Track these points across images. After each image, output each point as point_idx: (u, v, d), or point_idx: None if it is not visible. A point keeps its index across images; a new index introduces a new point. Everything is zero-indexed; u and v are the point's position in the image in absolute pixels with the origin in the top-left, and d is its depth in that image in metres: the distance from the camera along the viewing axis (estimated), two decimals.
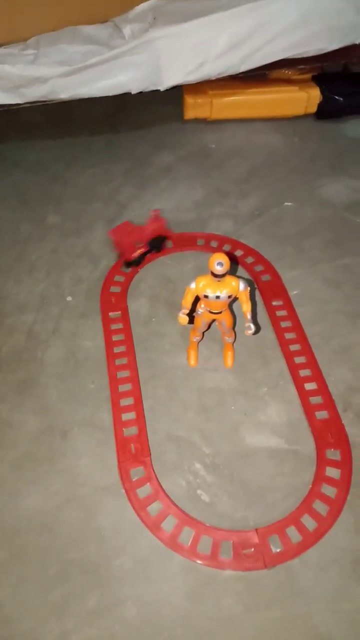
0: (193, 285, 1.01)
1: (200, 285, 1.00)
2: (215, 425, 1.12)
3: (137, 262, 1.39)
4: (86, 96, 1.51)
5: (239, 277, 1.01)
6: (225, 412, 1.14)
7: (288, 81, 1.93)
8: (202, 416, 1.14)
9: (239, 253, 1.45)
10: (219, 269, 0.94)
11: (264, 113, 1.93)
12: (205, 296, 1.01)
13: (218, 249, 1.46)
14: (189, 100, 1.86)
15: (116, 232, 1.37)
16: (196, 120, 1.96)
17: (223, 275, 0.96)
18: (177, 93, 1.92)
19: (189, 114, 1.91)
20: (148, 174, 1.77)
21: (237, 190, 1.69)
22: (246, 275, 1.40)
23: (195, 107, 1.88)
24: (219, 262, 0.93)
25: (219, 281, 0.98)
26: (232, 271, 0.97)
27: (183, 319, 1.03)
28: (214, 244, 1.48)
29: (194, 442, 1.10)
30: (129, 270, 1.39)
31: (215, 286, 0.99)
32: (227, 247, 1.47)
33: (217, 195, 1.68)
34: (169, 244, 1.48)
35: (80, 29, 1.56)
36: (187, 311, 1.03)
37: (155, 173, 1.77)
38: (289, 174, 1.77)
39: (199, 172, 1.76)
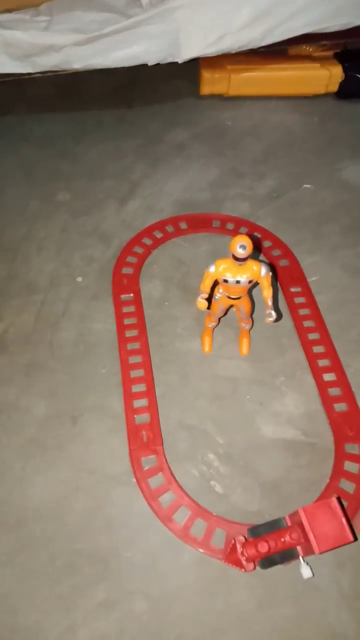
0: (212, 269, 0.96)
1: (220, 269, 0.95)
2: (229, 415, 1.08)
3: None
4: (100, 67, 1.44)
5: (260, 261, 0.96)
6: (239, 401, 1.11)
7: (309, 58, 1.85)
8: (215, 405, 1.10)
9: (255, 236, 1.40)
10: (241, 252, 0.89)
11: (282, 90, 1.85)
12: (225, 280, 0.96)
13: (234, 232, 1.41)
14: (206, 75, 1.79)
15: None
16: (212, 97, 1.88)
17: (245, 259, 0.91)
18: (192, 67, 1.85)
19: (206, 89, 1.83)
20: (161, 151, 1.70)
21: (254, 171, 1.63)
22: (263, 259, 1.35)
23: (212, 83, 1.80)
24: (241, 245, 0.88)
25: (240, 265, 0.93)
26: (254, 256, 0.92)
27: (202, 304, 0.98)
28: (230, 226, 1.43)
29: (208, 431, 1.06)
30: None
31: (236, 270, 0.94)
32: (243, 230, 1.42)
33: (232, 175, 1.62)
34: (184, 225, 1.43)
35: None
36: (207, 296, 0.98)
37: (168, 150, 1.71)
38: (307, 155, 1.70)
39: (213, 151, 1.70)
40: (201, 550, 0.91)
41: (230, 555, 0.89)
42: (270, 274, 0.96)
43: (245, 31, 1.47)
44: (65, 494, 0.98)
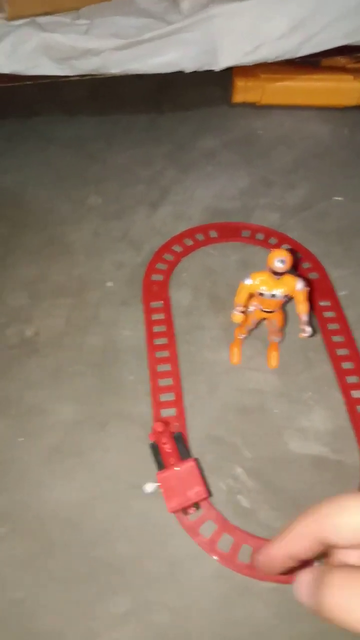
0: (248, 282, 0.95)
1: (256, 282, 0.95)
2: (256, 428, 1.08)
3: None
4: (138, 72, 1.44)
5: (297, 275, 0.96)
6: (267, 414, 1.10)
7: (342, 69, 1.84)
8: (243, 417, 1.09)
9: (285, 247, 1.39)
10: (279, 267, 0.88)
11: (314, 101, 1.85)
12: (260, 294, 0.96)
13: (264, 242, 1.40)
14: (239, 83, 1.78)
15: None
16: (243, 105, 1.88)
17: (282, 274, 0.91)
18: (224, 74, 1.82)
19: (238, 97, 1.83)
20: (191, 157, 1.70)
21: (284, 181, 1.62)
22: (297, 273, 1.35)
23: (245, 91, 1.80)
24: (280, 260, 0.88)
25: (277, 279, 0.92)
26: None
27: (238, 317, 0.97)
28: (259, 236, 1.42)
29: (235, 444, 1.05)
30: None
31: (272, 284, 0.94)
32: (273, 241, 1.41)
33: (263, 184, 1.61)
34: (214, 233, 1.43)
35: (135, 1, 1.48)
36: (242, 309, 0.97)
37: (198, 157, 1.70)
38: (338, 166, 1.69)
39: (244, 159, 1.70)
40: (226, 565, 0.91)
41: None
42: (307, 289, 0.95)
43: (282, 41, 1.47)
44: (88, 500, 0.98)
